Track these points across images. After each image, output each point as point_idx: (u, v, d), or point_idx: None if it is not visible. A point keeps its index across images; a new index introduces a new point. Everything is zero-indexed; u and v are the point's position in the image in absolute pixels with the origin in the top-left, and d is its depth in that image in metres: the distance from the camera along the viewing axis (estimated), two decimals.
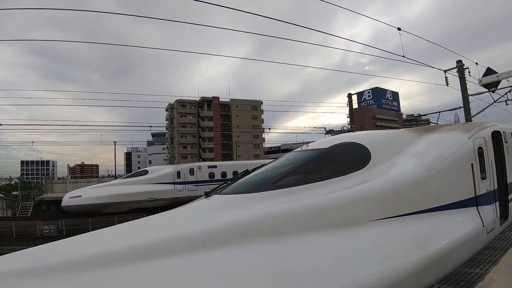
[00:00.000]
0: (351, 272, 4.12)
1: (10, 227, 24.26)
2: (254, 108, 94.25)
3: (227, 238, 4.19)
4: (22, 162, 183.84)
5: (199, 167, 31.97)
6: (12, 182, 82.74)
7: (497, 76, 18.77)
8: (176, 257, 3.85)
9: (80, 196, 27.60)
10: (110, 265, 3.67)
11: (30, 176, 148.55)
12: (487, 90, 19.31)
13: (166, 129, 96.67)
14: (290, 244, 4.26)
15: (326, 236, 4.47)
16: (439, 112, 20.97)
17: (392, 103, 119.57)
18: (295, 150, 7.51)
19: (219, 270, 3.82)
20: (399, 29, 15.68)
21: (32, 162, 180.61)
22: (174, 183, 30.32)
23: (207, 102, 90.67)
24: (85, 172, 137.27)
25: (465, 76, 20.54)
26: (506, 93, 20.14)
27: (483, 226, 6.13)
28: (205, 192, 6.07)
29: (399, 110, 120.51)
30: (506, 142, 8.05)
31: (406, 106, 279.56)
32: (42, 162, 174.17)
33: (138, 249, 3.97)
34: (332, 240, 4.45)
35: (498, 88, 19.55)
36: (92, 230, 5.79)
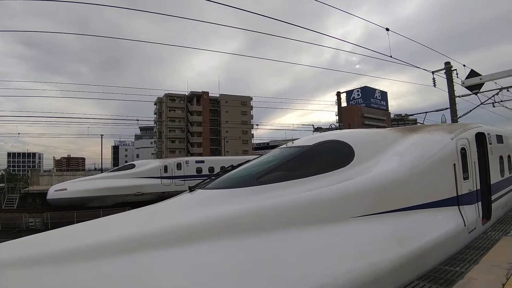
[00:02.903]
0: (331, 267, 4.18)
1: None
2: (243, 104, 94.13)
3: (209, 232, 4.21)
4: (9, 154, 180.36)
5: (187, 162, 31.88)
6: None
7: (480, 79, 19.04)
8: (159, 250, 3.87)
9: (66, 189, 27.29)
10: (94, 257, 3.68)
11: (16, 168, 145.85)
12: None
13: (155, 123, 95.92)
14: (272, 239, 4.29)
15: (307, 232, 4.52)
16: (426, 112, 21.19)
17: (380, 102, 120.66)
18: (280, 147, 7.56)
19: (201, 264, 3.84)
20: (387, 29, 15.76)
21: (19, 154, 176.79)
22: (161, 177, 30.19)
23: (197, 97, 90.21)
24: (71, 165, 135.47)
25: (453, 77, 20.74)
26: (493, 96, 20.47)
27: (465, 226, 6.24)
28: (189, 186, 6.07)
29: (387, 109, 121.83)
30: (490, 143, 8.19)
31: (395, 105, 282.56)
32: (29, 154, 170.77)
33: (122, 242, 3.98)
34: (314, 236, 4.51)
35: (484, 90, 19.83)
36: (77, 223, 5.79)
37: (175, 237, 4.09)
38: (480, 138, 7.77)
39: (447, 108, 21.09)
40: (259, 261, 4.02)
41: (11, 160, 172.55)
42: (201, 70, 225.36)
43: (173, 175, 30.60)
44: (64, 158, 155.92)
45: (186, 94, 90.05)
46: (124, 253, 3.78)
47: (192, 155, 74.52)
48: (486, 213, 7.44)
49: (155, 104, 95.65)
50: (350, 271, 4.21)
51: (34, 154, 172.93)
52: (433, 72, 21.48)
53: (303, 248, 4.34)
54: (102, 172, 39.72)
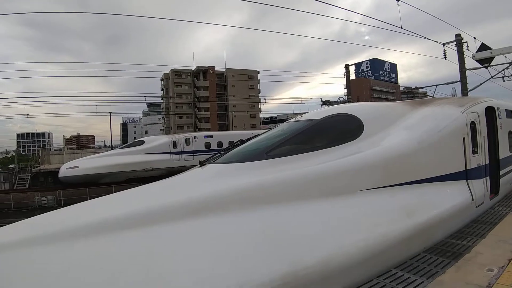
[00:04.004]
0: (339, 238, 4.28)
1: (8, 200, 24.24)
2: (250, 78, 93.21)
3: (221, 205, 4.29)
4: (18, 135, 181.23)
5: (195, 137, 31.97)
6: (9, 155, 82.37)
7: (491, 52, 18.74)
8: (172, 223, 3.96)
9: (77, 166, 27.61)
10: (109, 232, 3.78)
11: (26, 149, 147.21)
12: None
13: (162, 99, 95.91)
14: (281, 211, 4.38)
15: (316, 205, 4.60)
16: (436, 85, 20.95)
17: (390, 75, 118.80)
18: (288, 121, 7.53)
19: (214, 235, 3.94)
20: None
21: (28, 134, 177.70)
22: (170, 153, 30.38)
23: (203, 72, 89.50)
24: (81, 143, 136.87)
25: (463, 50, 20.43)
26: (503, 70, 20.13)
27: (473, 200, 6.27)
28: (199, 161, 6.12)
29: (396, 82, 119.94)
30: (500, 118, 8.10)
31: (405, 78, 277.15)
32: (38, 134, 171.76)
33: (135, 217, 4.08)
34: (322, 209, 4.58)
35: (494, 64, 19.54)
36: (91, 199, 5.85)
37: (188, 211, 4.17)
38: (490, 112, 7.67)
39: (457, 81, 20.90)
40: (269, 232, 4.11)
41: (21, 141, 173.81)
42: (206, 44, 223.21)
43: (182, 150, 30.76)
44: (73, 136, 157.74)
45: (192, 69, 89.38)
46: (138, 227, 3.87)
47: (200, 130, 74.77)
48: (494, 188, 7.43)
49: (161, 80, 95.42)
50: (358, 242, 4.32)
51: (43, 133, 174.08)
52: (443, 44, 21.13)
53: (311, 220, 4.43)
54: (112, 149, 40.05)
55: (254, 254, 3.78)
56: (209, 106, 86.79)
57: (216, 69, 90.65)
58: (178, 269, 3.46)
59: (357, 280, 4.11)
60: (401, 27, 15.83)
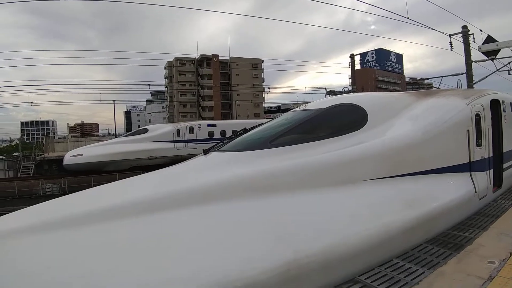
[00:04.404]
0: (342, 227, 4.30)
1: (12, 188, 24.39)
2: (254, 66, 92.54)
3: (224, 193, 4.32)
4: (22, 123, 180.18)
5: (199, 126, 32.02)
6: (13, 144, 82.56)
7: (497, 45, 18.67)
8: (176, 211, 4.00)
9: (82, 154, 27.76)
10: (113, 219, 3.82)
11: (30, 137, 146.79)
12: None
13: (165, 87, 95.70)
14: (285, 200, 4.41)
15: (319, 193, 4.62)
16: (442, 76, 20.88)
17: (395, 65, 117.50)
18: (292, 110, 7.51)
19: (216, 224, 3.98)
20: None
21: (32, 122, 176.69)
22: (174, 141, 30.46)
23: (207, 60, 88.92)
24: (85, 131, 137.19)
25: (470, 42, 20.33)
26: (509, 63, 20.09)
27: (475, 192, 6.26)
28: (203, 149, 6.13)
29: (402, 72, 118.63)
30: (504, 111, 8.04)
31: (411, 68, 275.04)
32: (42, 122, 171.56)
33: (139, 204, 4.13)
34: (325, 197, 4.61)
35: (500, 57, 19.51)
36: (94, 187, 5.90)
37: (191, 198, 4.21)
38: (495, 105, 7.61)
39: (463, 73, 20.89)
40: (272, 221, 4.14)
41: (25, 129, 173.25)
42: (210, 32, 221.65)
43: (186, 139, 30.84)
44: (77, 124, 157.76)
45: (196, 58, 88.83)
46: (141, 215, 3.91)
47: (203, 119, 74.66)
48: (497, 181, 7.41)
49: (165, 69, 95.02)
50: (360, 231, 4.34)
51: (47, 121, 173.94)
52: (450, 35, 20.96)
53: (314, 209, 4.46)
54: (116, 137, 40.18)
55: (256, 241, 3.81)
56: (212, 95, 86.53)
57: (220, 58, 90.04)
58: (182, 255, 3.50)
59: (359, 269, 4.13)
60: (408, 17, 15.66)
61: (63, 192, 22.99)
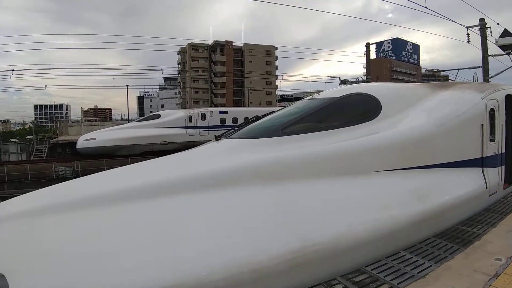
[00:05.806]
0: (350, 217, 4.33)
1: (25, 170, 24.61)
2: (268, 54, 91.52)
3: (235, 179, 4.39)
4: (36, 107, 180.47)
5: (211, 112, 32.18)
6: (26, 127, 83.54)
7: None
8: (187, 195, 4.08)
9: (95, 138, 28.22)
10: (125, 202, 3.93)
11: (44, 120, 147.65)
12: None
13: (178, 73, 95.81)
14: (294, 187, 4.45)
15: (329, 183, 4.65)
16: (458, 69, 20.57)
17: (412, 56, 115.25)
18: (305, 98, 7.47)
19: (226, 208, 4.06)
20: None
21: (46, 106, 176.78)
22: (185, 127, 30.73)
23: (220, 46, 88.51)
24: (98, 116, 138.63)
25: (487, 35, 19.97)
26: None
27: (486, 188, 6.19)
28: (215, 136, 6.18)
29: (418, 63, 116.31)
30: None
31: (428, 60, 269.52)
32: (56, 106, 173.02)
33: (151, 187, 4.22)
34: (335, 187, 4.63)
35: None
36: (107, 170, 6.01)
37: (203, 183, 4.28)
38: (510, 100, 7.43)
39: (479, 67, 20.54)
40: (281, 208, 4.19)
41: (38, 112, 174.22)
42: (224, 17, 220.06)
43: (198, 125, 31.04)
44: (91, 109, 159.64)
45: (210, 44, 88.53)
46: (152, 198, 4.00)
47: (215, 105, 74.70)
48: (509, 178, 7.29)
49: (178, 54, 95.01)
50: (367, 222, 4.36)
51: (61, 105, 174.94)
52: (467, 28, 20.57)
53: (323, 197, 4.49)
54: (129, 122, 40.53)
55: (265, 228, 3.87)
56: (225, 82, 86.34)
57: (233, 44, 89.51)
58: (192, 237, 3.59)
59: (365, 259, 4.16)
60: (426, 7, 15.37)
61: (76, 175, 23.15)
